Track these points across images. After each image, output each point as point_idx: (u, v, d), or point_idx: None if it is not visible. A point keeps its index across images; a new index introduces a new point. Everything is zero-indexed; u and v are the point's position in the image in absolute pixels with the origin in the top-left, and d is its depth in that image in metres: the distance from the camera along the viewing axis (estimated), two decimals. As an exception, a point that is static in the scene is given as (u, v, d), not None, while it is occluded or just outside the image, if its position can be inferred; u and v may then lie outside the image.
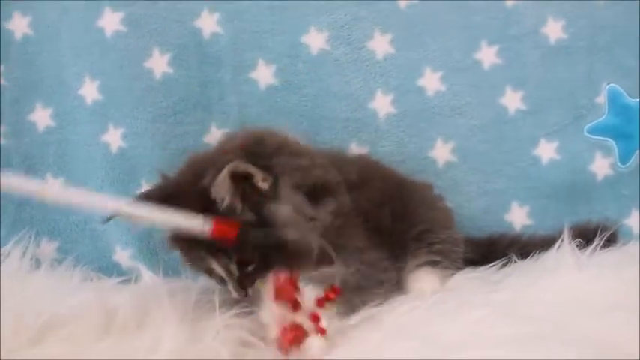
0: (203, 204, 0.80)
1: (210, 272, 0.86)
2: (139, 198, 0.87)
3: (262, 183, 0.81)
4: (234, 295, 0.83)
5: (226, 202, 0.80)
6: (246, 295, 0.83)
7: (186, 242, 0.84)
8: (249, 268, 0.82)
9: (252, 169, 0.80)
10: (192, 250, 0.84)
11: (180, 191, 0.83)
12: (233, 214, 0.80)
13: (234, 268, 0.83)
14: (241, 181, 0.80)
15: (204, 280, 0.92)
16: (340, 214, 0.87)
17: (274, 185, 0.82)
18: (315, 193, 0.85)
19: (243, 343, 0.76)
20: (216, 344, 0.74)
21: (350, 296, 0.82)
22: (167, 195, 0.83)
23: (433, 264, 0.96)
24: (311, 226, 0.83)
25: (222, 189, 0.80)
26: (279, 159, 0.84)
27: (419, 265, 0.96)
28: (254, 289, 0.83)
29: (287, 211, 0.82)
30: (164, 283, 1.01)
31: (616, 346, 0.67)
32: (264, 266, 0.81)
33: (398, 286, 0.93)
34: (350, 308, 0.82)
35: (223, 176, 0.79)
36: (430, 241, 0.97)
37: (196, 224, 0.77)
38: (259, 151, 0.85)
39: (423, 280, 0.95)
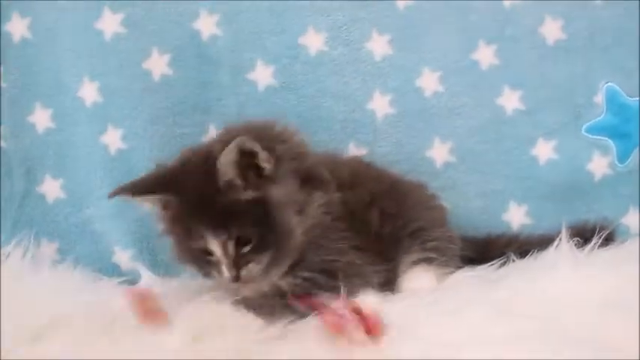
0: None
1: (201, 258, 0.87)
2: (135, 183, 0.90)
3: (266, 163, 0.84)
4: (226, 275, 0.85)
5: (228, 175, 0.83)
6: (238, 277, 0.84)
7: (187, 218, 0.85)
8: (246, 250, 0.84)
9: (257, 147, 0.83)
10: (192, 228, 0.85)
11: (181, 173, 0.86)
12: (231, 189, 0.83)
13: (231, 246, 0.84)
14: (246, 157, 0.83)
15: (203, 281, 0.92)
16: (328, 212, 0.89)
17: (275, 168, 0.85)
18: (309, 183, 0.88)
19: (246, 343, 0.76)
20: (218, 344, 0.74)
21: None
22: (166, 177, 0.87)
23: (428, 261, 0.96)
24: (299, 220, 0.86)
25: (227, 161, 0.83)
26: (281, 145, 0.88)
27: (414, 263, 0.96)
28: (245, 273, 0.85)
29: (283, 194, 0.85)
30: (164, 284, 1.02)
31: (615, 345, 0.68)
32: (260, 247, 0.84)
33: (389, 286, 0.93)
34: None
35: (230, 148, 0.82)
36: (424, 238, 0.97)
37: None
38: (264, 135, 0.88)
39: (419, 278, 0.95)
